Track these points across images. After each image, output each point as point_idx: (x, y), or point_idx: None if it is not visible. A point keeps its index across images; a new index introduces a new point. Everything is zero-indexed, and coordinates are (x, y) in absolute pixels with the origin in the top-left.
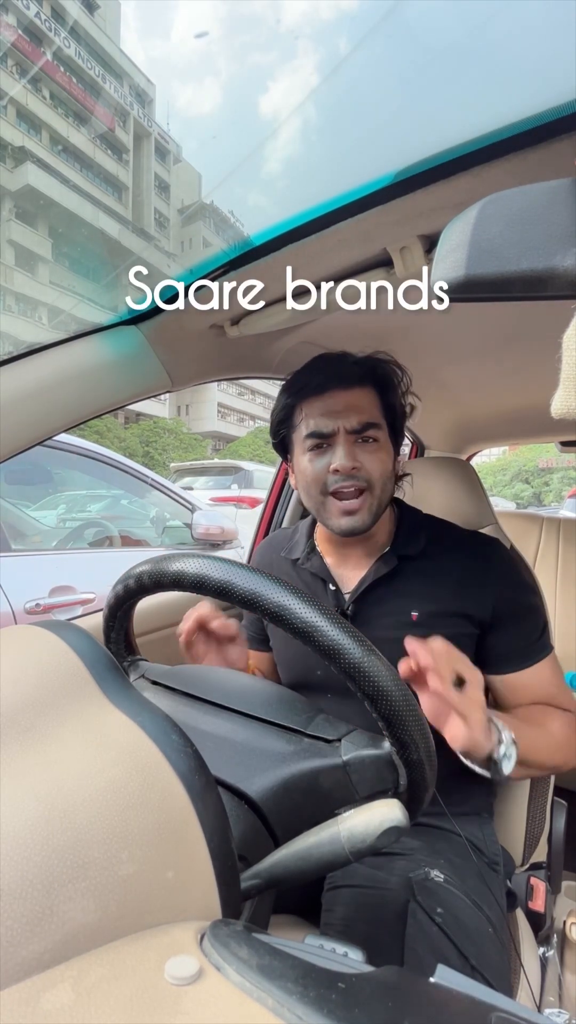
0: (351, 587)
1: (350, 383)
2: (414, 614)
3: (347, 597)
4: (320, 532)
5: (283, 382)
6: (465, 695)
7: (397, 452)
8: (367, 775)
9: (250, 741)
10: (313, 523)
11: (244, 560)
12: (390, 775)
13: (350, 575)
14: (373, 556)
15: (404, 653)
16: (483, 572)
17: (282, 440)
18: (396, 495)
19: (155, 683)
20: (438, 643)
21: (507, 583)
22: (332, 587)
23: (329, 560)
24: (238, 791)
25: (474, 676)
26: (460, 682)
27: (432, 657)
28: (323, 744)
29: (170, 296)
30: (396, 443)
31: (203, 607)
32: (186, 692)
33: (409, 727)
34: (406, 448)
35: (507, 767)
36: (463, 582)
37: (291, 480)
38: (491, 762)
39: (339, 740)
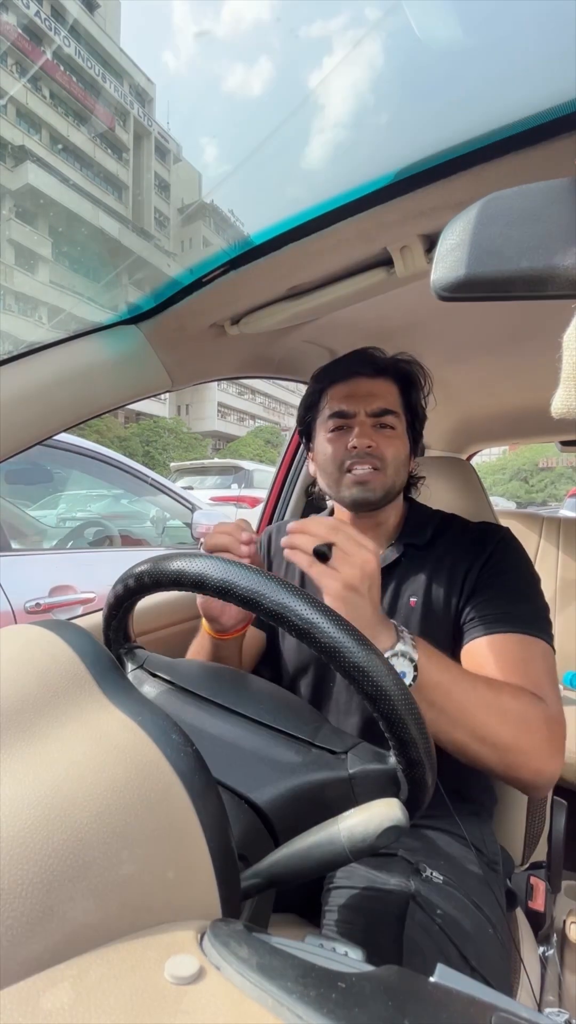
0: None
1: (374, 373)
2: (412, 600)
3: None
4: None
5: (287, 382)
6: (319, 565)
7: (414, 451)
8: (370, 788)
9: (259, 749)
10: (331, 514)
11: None
12: (392, 789)
13: None
14: (382, 545)
15: None
16: (477, 551)
17: (307, 426)
18: (411, 495)
19: (155, 675)
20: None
21: (495, 558)
22: None
23: None
24: (247, 799)
25: (350, 547)
26: (325, 557)
27: (298, 527)
28: (330, 756)
29: (170, 296)
30: (414, 441)
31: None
32: (194, 692)
33: (409, 727)
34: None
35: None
36: (461, 568)
37: (310, 467)
38: None
39: (345, 753)
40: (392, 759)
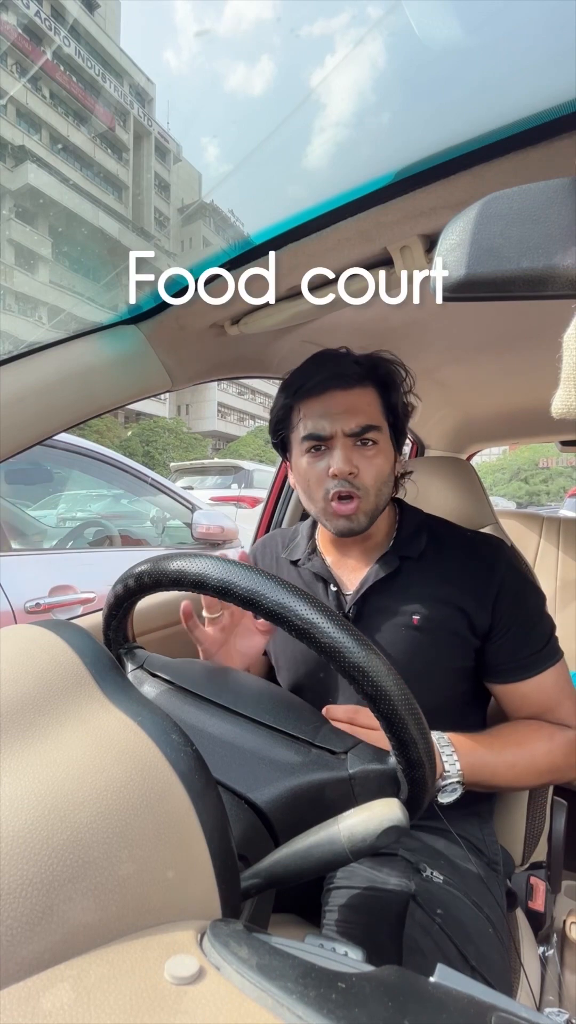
0: (352, 588)
1: (350, 383)
2: (415, 618)
3: (348, 598)
4: (321, 533)
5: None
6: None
7: (399, 451)
8: (370, 788)
9: (259, 749)
10: (314, 524)
11: None
12: (392, 789)
13: (351, 576)
14: (372, 556)
15: (405, 656)
16: (486, 576)
17: (281, 439)
18: (398, 495)
19: (155, 675)
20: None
21: (510, 590)
22: (334, 588)
23: (329, 560)
24: (247, 799)
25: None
26: None
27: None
28: (330, 756)
29: (170, 295)
30: (398, 443)
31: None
32: (193, 692)
33: (409, 727)
34: (406, 448)
35: (445, 799)
36: (464, 585)
37: (291, 479)
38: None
39: (345, 753)
40: (392, 759)
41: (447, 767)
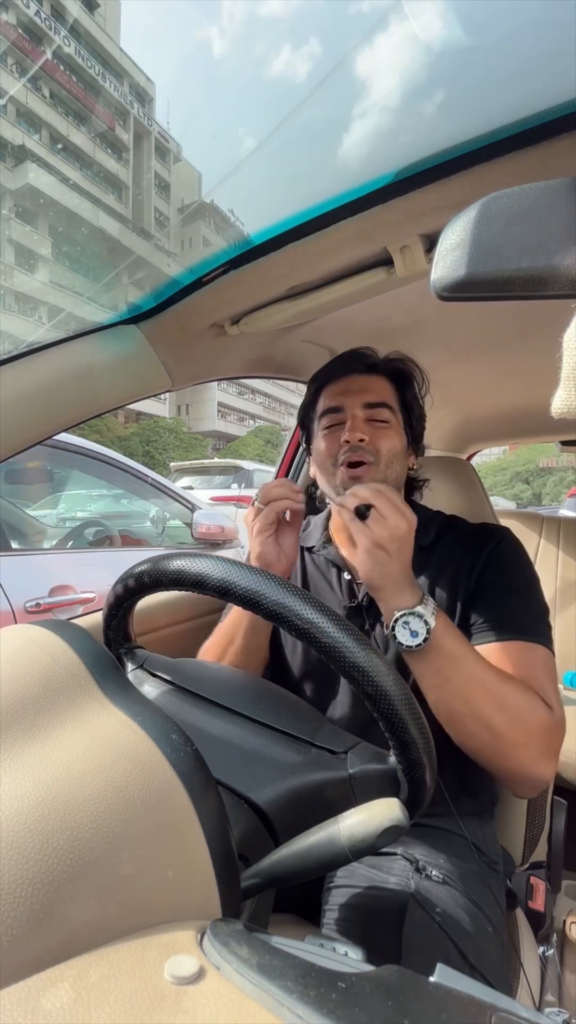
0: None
1: (367, 370)
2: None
3: (360, 587)
4: (335, 522)
5: (287, 382)
6: (362, 523)
7: (415, 451)
8: (370, 788)
9: (259, 749)
10: (328, 515)
11: (244, 559)
12: (392, 789)
13: None
14: None
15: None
16: (477, 555)
17: (307, 428)
18: (414, 498)
19: (155, 675)
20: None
21: (495, 562)
22: (347, 576)
23: (343, 551)
24: (247, 799)
25: (385, 509)
26: (363, 516)
27: (350, 489)
28: (330, 756)
29: (170, 296)
30: (413, 439)
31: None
32: (194, 692)
33: (409, 727)
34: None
35: (403, 637)
36: (463, 569)
37: (311, 470)
38: (392, 626)
39: (345, 753)
40: (392, 759)
41: (420, 607)
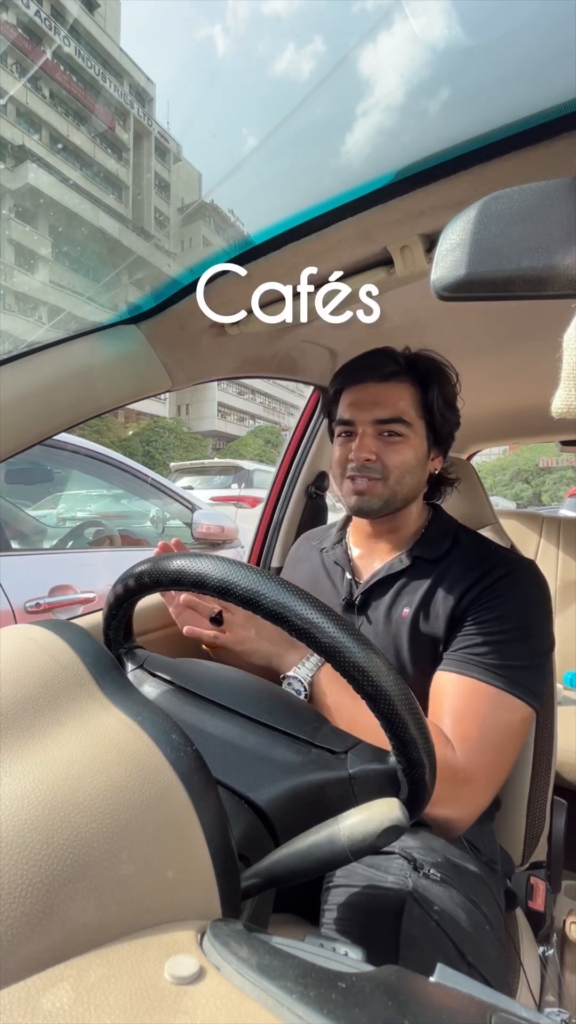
0: (367, 576)
1: (385, 377)
2: (405, 611)
3: (357, 586)
4: (354, 524)
5: (287, 382)
6: (219, 630)
7: (440, 451)
8: (370, 788)
9: (259, 749)
10: (349, 517)
11: (244, 559)
12: (392, 789)
13: (370, 567)
14: (397, 550)
15: (388, 648)
16: (479, 577)
17: (331, 418)
18: (437, 499)
19: (155, 675)
20: None
21: (496, 590)
22: (348, 576)
23: (358, 551)
24: (247, 799)
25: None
26: (217, 621)
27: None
28: (330, 756)
29: (170, 295)
30: (437, 441)
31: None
32: (194, 692)
33: (409, 726)
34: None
35: (293, 689)
36: (460, 587)
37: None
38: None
39: (345, 753)
40: (392, 759)
41: (299, 669)
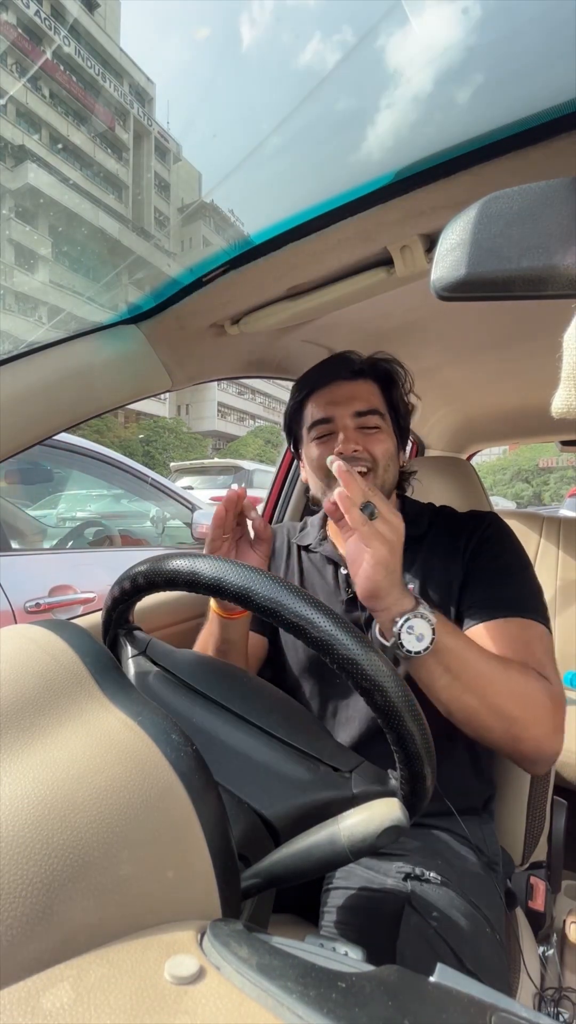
0: None
1: (352, 376)
2: (410, 586)
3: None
4: (332, 523)
5: (287, 382)
6: (371, 524)
7: (403, 446)
8: None
9: (271, 763)
10: (325, 516)
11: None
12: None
13: None
14: None
15: None
16: (468, 535)
17: (294, 436)
18: (406, 493)
19: (157, 664)
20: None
21: (486, 542)
22: (344, 571)
23: (340, 548)
24: (259, 815)
25: (386, 512)
26: (371, 515)
27: (346, 481)
28: (336, 775)
29: (170, 295)
30: (401, 438)
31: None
32: (205, 694)
33: (406, 720)
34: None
35: (410, 643)
36: (456, 553)
37: (302, 474)
38: (397, 634)
39: (350, 772)
40: (393, 781)
41: (422, 610)
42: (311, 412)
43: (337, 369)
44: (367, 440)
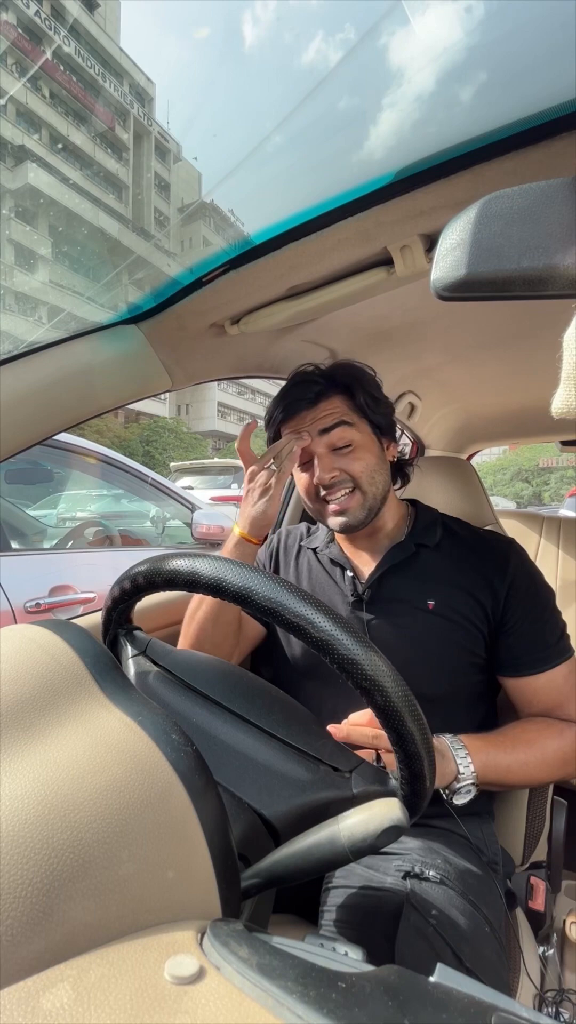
0: (367, 574)
1: (315, 399)
2: (431, 603)
3: (362, 583)
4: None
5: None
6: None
7: (390, 439)
8: None
9: (272, 763)
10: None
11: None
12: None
13: (366, 564)
14: (386, 547)
15: (419, 639)
16: (499, 570)
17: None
18: (406, 484)
19: (157, 664)
20: (355, 717)
21: (522, 585)
22: (350, 573)
23: (350, 547)
24: (259, 815)
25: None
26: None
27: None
28: (336, 775)
29: (170, 295)
30: (383, 434)
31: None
32: (205, 694)
33: (406, 720)
34: (407, 447)
35: (461, 799)
36: (480, 575)
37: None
38: (449, 798)
39: (350, 772)
40: (393, 782)
41: (461, 769)
42: None
43: (299, 396)
44: (343, 461)
